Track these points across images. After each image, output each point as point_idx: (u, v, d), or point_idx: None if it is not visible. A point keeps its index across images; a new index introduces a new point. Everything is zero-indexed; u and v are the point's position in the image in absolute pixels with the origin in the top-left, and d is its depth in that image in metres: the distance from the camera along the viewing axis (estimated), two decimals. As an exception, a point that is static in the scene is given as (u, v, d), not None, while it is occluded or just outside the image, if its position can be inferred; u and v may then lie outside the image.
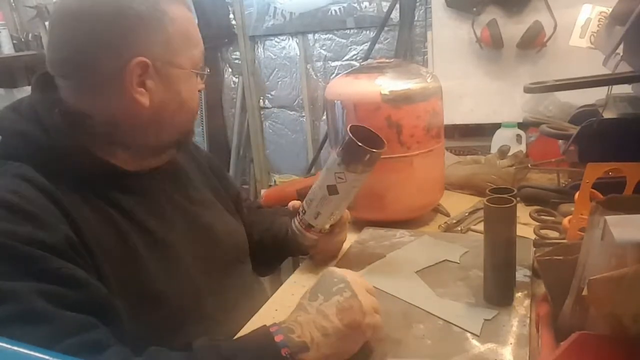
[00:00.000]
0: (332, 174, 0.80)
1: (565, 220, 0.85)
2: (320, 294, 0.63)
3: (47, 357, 0.33)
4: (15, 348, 0.32)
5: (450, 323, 0.67)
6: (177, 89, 0.71)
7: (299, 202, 0.89)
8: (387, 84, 0.95)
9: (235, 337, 0.70)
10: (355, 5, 2.30)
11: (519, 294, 0.71)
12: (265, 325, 0.60)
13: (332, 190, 0.80)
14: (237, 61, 2.63)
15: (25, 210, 0.58)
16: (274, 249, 0.96)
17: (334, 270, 0.67)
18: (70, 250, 0.59)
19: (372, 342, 0.64)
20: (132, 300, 0.64)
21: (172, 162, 0.79)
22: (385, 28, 2.22)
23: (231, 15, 2.53)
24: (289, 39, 2.51)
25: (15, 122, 0.66)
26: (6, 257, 0.54)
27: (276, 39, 2.53)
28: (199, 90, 0.77)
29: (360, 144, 0.75)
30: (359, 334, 0.62)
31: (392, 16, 2.18)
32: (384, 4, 2.23)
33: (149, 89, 0.68)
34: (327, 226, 0.85)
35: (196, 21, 0.76)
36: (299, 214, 0.86)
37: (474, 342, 0.63)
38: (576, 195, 0.80)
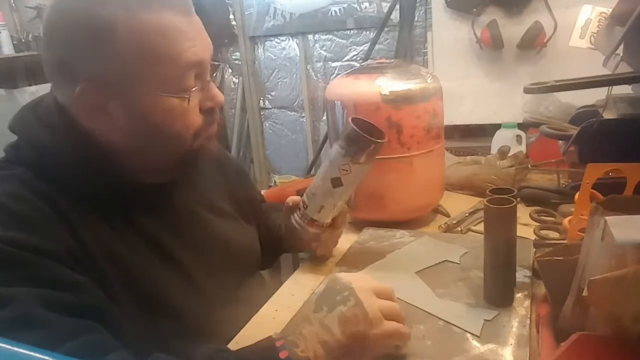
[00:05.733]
0: (335, 167, 0.80)
1: (566, 221, 0.84)
2: (325, 305, 0.60)
3: (47, 357, 0.32)
4: (15, 348, 0.32)
5: (451, 324, 0.67)
6: (143, 115, 0.62)
7: (297, 197, 0.88)
8: (387, 84, 0.95)
9: (235, 338, 0.70)
10: (355, 5, 2.30)
11: (519, 295, 0.71)
12: (271, 337, 0.58)
13: (336, 182, 0.80)
14: (237, 62, 2.63)
15: (23, 216, 0.56)
16: (269, 245, 0.94)
17: (338, 277, 0.63)
18: (69, 257, 0.57)
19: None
20: (139, 309, 0.63)
21: (190, 173, 0.75)
22: (385, 29, 2.22)
23: (231, 16, 2.53)
24: (289, 39, 2.51)
25: (31, 127, 0.64)
26: (3, 262, 0.53)
27: (276, 39, 2.53)
28: (209, 108, 0.68)
29: (364, 134, 0.76)
30: (368, 345, 0.59)
31: (392, 17, 2.18)
32: (384, 4, 2.24)
33: (110, 113, 0.61)
34: (329, 219, 0.85)
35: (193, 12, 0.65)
36: (299, 209, 0.86)
37: (474, 342, 0.63)
38: (576, 195, 0.80)
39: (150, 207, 0.68)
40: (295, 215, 0.86)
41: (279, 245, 0.96)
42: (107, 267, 0.61)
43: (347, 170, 0.79)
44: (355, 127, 0.76)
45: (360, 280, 0.62)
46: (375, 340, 0.59)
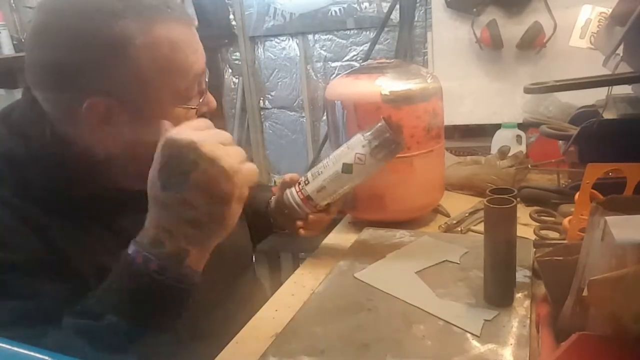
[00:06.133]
0: (352, 153, 0.81)
1: (566, 221, 0.84)
2: (173, 178, 0.54)
3: (47, 357, 0.33)
4: (15, 348, 0.32)
5: (451, 323, 0.67)
6: (153, 126, 0.60)
7: (296, 174, 0.88)
8: (387, 84, 0.95)
9: (235, 338, 0.70)
10: (355, 5, 2.30)
11: (519, 295, 0.71)
12: (127, 258, 0.54)
13: (346, 168, 0.81)
14: (237, 62, 2.63)
15: None
16: (255, 225, 0.94)
17: (176, 140, 0.54)
18: (38, 265, 0.56)
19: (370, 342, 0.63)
20: None
21: None
22: (385, 29, 2.22)
23: (231, 16, 2.53)
24: (289, 39, 2.51)
25: (1, 140, 0.61)
26: None
27: (276, 39, 2.53)
28: (203, 113, 0.68)
29: (392, 132, 0.79)
30: (235, 197, 0.55)
31: (392, 17, 2.18)
32: (384, 4, 2.24)
33: (116, 127, 0.60)
34: (324, 203, 0.85)
35: (196, 22, 0.68)
36: (298, 184, 0.85)
37: (474, 342, 0.63)
38: (576, 195, 0.80)
39: (139, 213, 0.66)
40: (293, 189, 0.86)
41: (266, 225, 0.96)
42: (91, 274, 0.60)
43: (361, 161, 0.80)
44: (386, 123, 0.79)
45: (200, 134, 0.55)
46: (241, 189, 0.56)
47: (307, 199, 0.84)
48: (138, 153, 0.60)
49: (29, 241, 0.57)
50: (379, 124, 0.80)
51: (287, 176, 0.89)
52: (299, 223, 0.89)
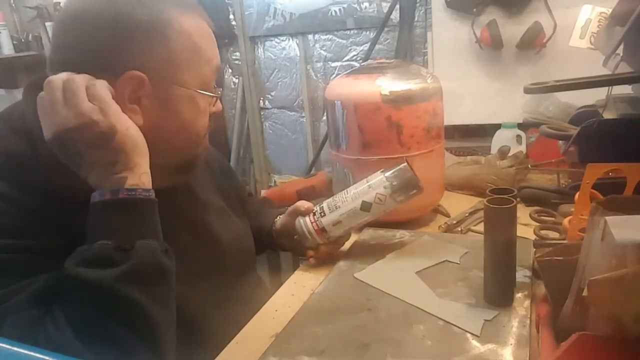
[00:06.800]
0: (372, 193, 0.83)
1: (566, 221, 0.84)
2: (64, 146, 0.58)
3: (47, 357, 0.33)
4: (15, 348, 0.32)
5: (451, 324, 0.67)
6: (177, 110, 0.66)
7: (310, 203, 0.89)
8: (387, 84, 0.95)
9: (235, 338, 0.70)
10: (355, 6, 2.30)
11: (519, 295, 0.71)
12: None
13: (365, 206, 0.83)
14: (237, 62, 2.63)
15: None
16: (258, 240, 0.94)
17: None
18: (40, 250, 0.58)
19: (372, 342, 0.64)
20: None
21: (188, 178, 0.76)
22: (386, 29, 2.23)
23: (231, 16, 2.53)
24: (289, 39, 2.51)
25: (3, 137, 0.62)
26: None
27: (276, 39, 2.53)
28: (212, 113, 0.71)
29: (417, 179, 0.82)
30: (105, 116, 0.57)
31: (392, 17, 2.18)
32: (384, 4, 2.24)
33: (143, 106, 0.63)
34: (338, 235, 0.87)
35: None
36: (313, 214, 0.86)
37: (474, 342, 0.63)
38: (576, 195, 0.80)
39: None
40: (307, 219, 0.87)
41: (269, 242, 0.97)
42: None
43: (381, 201, 0.83)
44: (411, 169, 0.82)
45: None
46: (100, 106, 0.57)
47: (322, 230, 0.86)
48: (159, 140, 0.63)
49: (31, 228, 0.58)
50: (402, 165, 0.83)
51: (302, 205, 0.89)
52: (310, 252, 0.90)
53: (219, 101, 0.74)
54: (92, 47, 0.61)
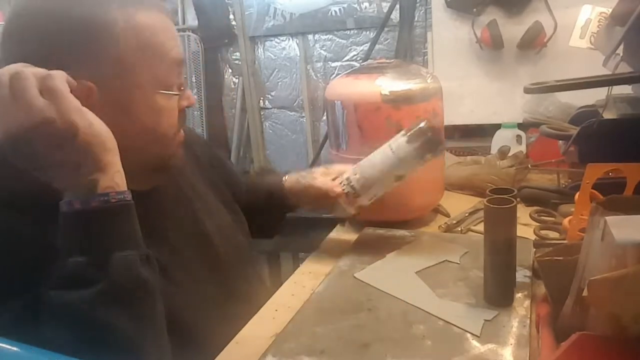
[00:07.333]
0: (406, 165, 0.84)
1: (566, 221, 0.84)
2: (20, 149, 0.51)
3: (47, 357, 0.33)
4: (15, 348, 0.32)
5: (451, 324, 0.67)
6: (135, 115, 0.61)
7: (339, 189, 0.87)
8: (387, 84, 0.95)
9: (235, 338, 0.70)
10: (355, 5, 2.30)
11: (519, 295, 0.71)
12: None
13: (399, 178, 0.86)
14: (237, 62, 2.63)
15: None
16: (270, 207, 0.94)
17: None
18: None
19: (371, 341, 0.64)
20: None
21: (166, 178, 0.73)
22: (385, 29, 2.22)
23: (231, 16, 2.53)
24: (289, 39, 2.51)
25: None
26: None
27: (276, 39, 2.53)
28: (183, 108, 0.68)
29: (439, 139, 0.85)
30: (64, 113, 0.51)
31: (392, 17, 2.18)
32: (384, 4, 2.23)
33: (98, 112, 0.56)
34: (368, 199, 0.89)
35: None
36: (347, 195, 0.87)
37: (474, 342, 0.63)
38: (576, 195, 0.80)
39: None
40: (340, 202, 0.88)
41: (281, 205, 0.95)
42: None
43: (409, 163, 0.85)
44: (433, 134, 0.83)
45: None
46: (55, 101, 0.51)
47: (358, 207, 0.89)
48: (123, 144, 0.57)
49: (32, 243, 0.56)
50: (428, 135, 0.83)
51: (331, 190, 0.87)
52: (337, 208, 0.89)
53: (189, 93, 0.70)
54: (40, 55, 0.56)
